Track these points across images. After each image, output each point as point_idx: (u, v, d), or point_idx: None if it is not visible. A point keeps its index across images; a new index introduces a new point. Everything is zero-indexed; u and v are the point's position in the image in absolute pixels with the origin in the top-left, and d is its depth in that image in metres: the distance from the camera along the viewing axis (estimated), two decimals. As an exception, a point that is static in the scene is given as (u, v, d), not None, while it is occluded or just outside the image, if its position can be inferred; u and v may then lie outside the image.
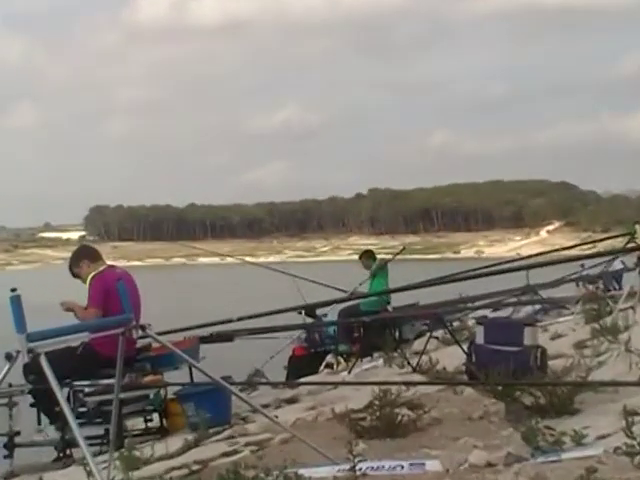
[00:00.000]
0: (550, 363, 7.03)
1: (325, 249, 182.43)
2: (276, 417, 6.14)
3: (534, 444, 4.52)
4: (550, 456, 4.36)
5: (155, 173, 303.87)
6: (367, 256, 13.70)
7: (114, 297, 7.34)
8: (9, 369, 4.17)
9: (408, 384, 6.48)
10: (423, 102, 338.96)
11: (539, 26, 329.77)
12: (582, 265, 15.67)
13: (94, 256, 7.80)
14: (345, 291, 13.30)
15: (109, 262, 8.09)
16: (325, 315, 12.90)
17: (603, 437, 4.59)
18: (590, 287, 15.22)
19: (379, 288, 12.67)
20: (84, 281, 7.58)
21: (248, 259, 18.14)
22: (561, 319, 12.62)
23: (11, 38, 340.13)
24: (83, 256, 7.80)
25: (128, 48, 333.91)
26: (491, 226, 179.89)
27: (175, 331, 8.43)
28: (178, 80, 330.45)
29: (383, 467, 4.57)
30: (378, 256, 13.83)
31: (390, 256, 15.47)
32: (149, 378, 7.50)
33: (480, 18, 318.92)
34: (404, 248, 22.97)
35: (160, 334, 5.76)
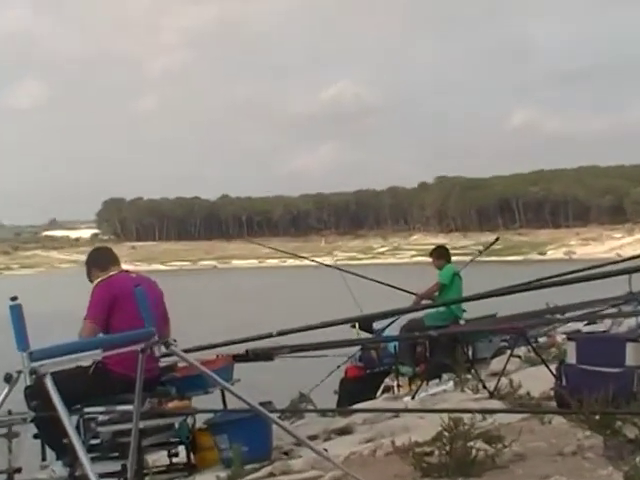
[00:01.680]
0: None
1: (383, 250, 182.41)
2: (325, 451, 6.14)
3: (639, 485, 4.48)
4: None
5: (181, 160, 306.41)
6: (439, 254, 13.30)
7: (130, 307, 7.36)
8: (8, 393, 4.20)
9: (484, 412, 6.45)
10: (500, 76, 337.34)
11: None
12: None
13: (103, 263, 7.83)
14: (415, 294, 13.16)
15: (124, 266, 8.15)
16: (384, 329, 12.88)
17: None
18: None
19: (452, 298, 12.45)
20: None
21: (324, 261, 17.95)
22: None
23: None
24: (91, 263, 7.88)
25: (150, 16, 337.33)
26: (585, 221, 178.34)
27: (205, 348, 8.45)
28: (210, 52, 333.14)
29: (454, 512, 4.55)
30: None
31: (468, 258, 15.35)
32: (174, 404, 7.54)
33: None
34: (497, 239, 22.39)
35: (187, 351, 5.79)
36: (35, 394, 6.52)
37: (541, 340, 12.70)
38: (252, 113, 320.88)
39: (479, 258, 16.39)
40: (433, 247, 13.97)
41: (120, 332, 6.90)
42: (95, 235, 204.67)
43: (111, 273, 7.67)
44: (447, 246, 14.95)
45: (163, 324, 7.52)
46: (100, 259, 7.92)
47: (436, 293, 12.81)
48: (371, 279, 14.51)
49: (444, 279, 12.80)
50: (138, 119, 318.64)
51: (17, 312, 4.21)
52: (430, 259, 13.42)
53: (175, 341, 5.08)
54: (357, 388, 12.49)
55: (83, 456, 4.29)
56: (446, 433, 5.63)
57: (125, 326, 6.92)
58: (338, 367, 13.24)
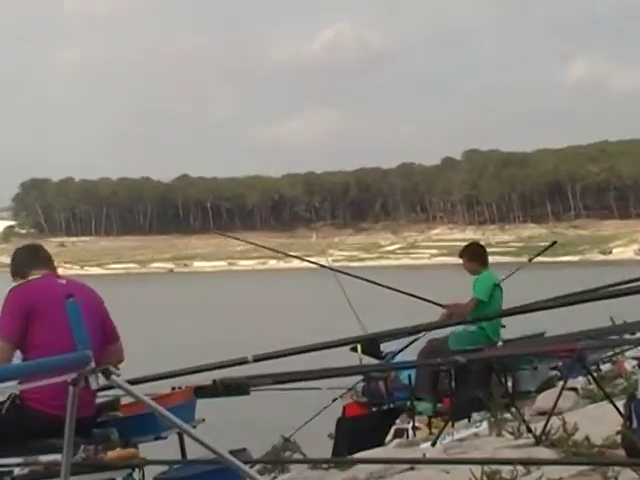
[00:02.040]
0: None
1: (393, 247, 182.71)
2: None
3: None
4: None
5: (125, 129, 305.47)
6: (471, 254, 13.04)
7: (57, 324, 7.34)
8: None
9: (529, 463, 6.45)
10: (550, 15, 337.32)
11: None
12: None
13: (21, 266, 7.79)
14: (443, 306, 12.85)
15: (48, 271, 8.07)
16: (395, 353, 12.88)
17: None
18: None
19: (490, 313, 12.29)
20: None
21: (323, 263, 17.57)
22: None
23: None
24: (12, 269, 7.85)
25: None
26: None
27: (158, 378, 8.44)
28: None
29: None
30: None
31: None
32: (116, 452, 7.53)
33: None
34: (554, 243, 22.38)
35: (134, 382, 5.78)
36: None
37: (604, 368, 12.72)
38: (217, 66, 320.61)
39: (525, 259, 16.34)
40: (464, 245, 13.63)
41: (44, 356, 6.89)
42: (10, 228, 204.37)
43: (31, 277, 7.63)
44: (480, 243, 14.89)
45: (102, 346, 7.50)
46: (20, 262, 7.88)
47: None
48: (382, 285, 14.32)
49: (482, 294, 12.43)
50: (65, 76, 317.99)
51: None
52: (460, 260, 13.15)
53: (118, 369, 5.06)
54: (359, 431, 12.51)
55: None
56: (478, 491, 5.64)
57: (51, 349, 6.91)
58: (333, 401, 13.26)
